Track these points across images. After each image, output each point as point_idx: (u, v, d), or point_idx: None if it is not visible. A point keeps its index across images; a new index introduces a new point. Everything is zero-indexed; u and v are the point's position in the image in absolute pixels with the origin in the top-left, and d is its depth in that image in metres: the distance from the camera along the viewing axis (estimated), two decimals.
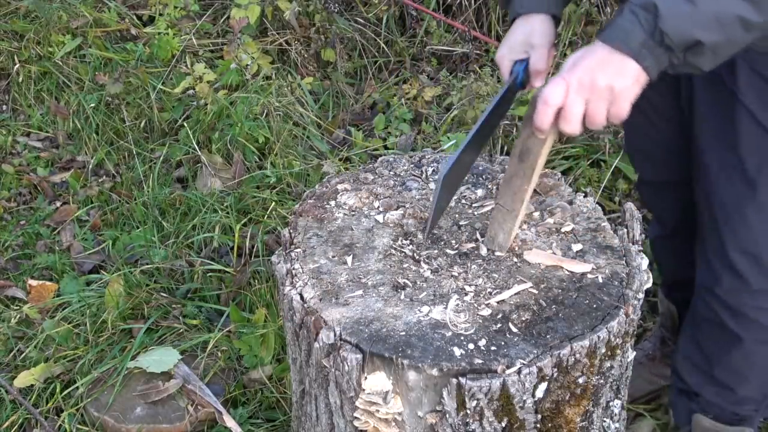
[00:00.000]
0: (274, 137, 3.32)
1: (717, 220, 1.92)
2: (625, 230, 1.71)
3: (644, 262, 1.64)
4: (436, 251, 1.68)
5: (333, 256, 1.67)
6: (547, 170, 1.86)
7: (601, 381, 1.55)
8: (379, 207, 1.80)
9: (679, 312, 2.37)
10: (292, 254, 1.67)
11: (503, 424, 1.48)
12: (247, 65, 3.60)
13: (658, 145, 2.10)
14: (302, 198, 1.85)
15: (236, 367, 2.53)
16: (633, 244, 1.68)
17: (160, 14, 4.10)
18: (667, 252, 2.38)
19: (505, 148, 3.28)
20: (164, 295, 2.77)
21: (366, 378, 1.47)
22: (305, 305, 1.56)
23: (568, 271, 1.62)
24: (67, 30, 4.02)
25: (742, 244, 1.90)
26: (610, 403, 1.62)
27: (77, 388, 2.44)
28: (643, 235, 1.73)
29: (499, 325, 1.50)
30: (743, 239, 1.90)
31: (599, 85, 1.46)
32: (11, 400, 2.45)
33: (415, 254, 1.67)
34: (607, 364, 1.53)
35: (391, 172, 1.92)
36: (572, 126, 1.49)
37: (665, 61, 1.44)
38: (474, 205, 1.79)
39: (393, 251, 1.68)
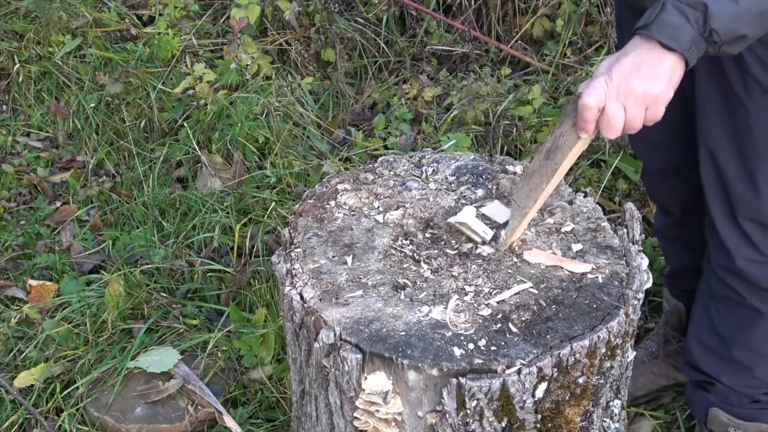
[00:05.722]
0: (274, 137, 3.32)
1: (727, 192, 1.94)
2: (625, 230, 1.71)
3: (644, 262, 1.64)
4: (436, 251, 1.68)
5: (333, 256, 1.67)
6: None
7: (601, 381, 1.55)
8: (379, 207, 1.80)
9: (687, 309, 2.37)
10: (292, 254, 1.67)
11: (503, 424, 1.48)
12: (247, 65, 3.60)
13: (664, 131, 2.10)
14: (302, 198, 1.85)
15: (236, 367, 2.53)
16: (633, 244, 1.68)
17: (160, 14, 4.10)
18: (673, 241, 2.39)
19: (506, 148, 3.28)
20: (164, 295, 2.77)
21: (366, 378, 1.47)
22: (305, 305, 1.56)
23: (568, 271, 1.62)
24: (67, 30, 4.02)
25: (753, 213, 1.93)
26: (610, 403, 1.62)
27: (77, 388, 2.45)
28: (643, 235, 1.73)
29: (499, 325, 1.50)
30: (754, 208, 1.92)
31: (636, 92, 1.51)
32: (11, 400, 2.45)
33: (415, 254, 1.67)
34: (607, 364, 1.53)
35: (391, 172, 1.92)
36: (615, 132, 1.54)
37: (703, 51, 1.51)
38: (474, 205, 1.79)
39: (393, 251, 1.68)
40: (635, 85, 1.50)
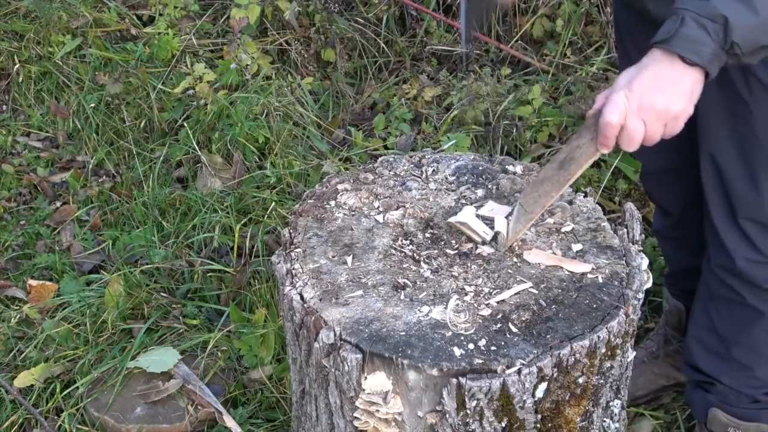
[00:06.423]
0: (274, 137, 3.32)
1: (728, 193, 1.93)
2: (625, 230, 1.71)
3: (644, 262, 1.64)
4: (436, 251, 1.68)
5: (333, 256, 1.67)
6: None
7: (601, 381, 1.55)
8: (379, 207, 1.80)
9: (687, 309, 2.38)
10: (292, 254, 1.67)
11: (503, 424, 1.48)
12: (247, 65, 3.60)
13: None
14: (302, 198, 1.85)
15: (236, 367, 2.53)
16: (633, 244, 1.68)
17: (160, 14, 4.10)
18: (673, 241, 2.39)
19: (506, 148, 3.28)
20: (164, 295, 2.77)
21: (366, 378, 1.47)
22: (305, 305, 1.56)
23: (568, 271, 1.62)
24: (67, 30, 4.02)
25: (754, 214, 1.93)
26: (610, 403, 1.62)
27: (77, 388, 2.45)
28: (643, 235, 1.73)
29: (499, 325, 1.50)
30: (755, 208, 1.92)
31: (658, 108, 1.50)
32: (11, 400, 2.45)
33: (415, 254, 1.67)
34: (607, 364, 1.53)
35: (391, 172, 1.92)
36: (634, 146, 1.54)
37: (723, 63, 1.50)
38: (474, 204, 1.79)
39: (393, 251, 1.68)
40: (657, 102, 1.49)
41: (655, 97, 1.49)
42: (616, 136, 1.53)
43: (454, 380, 1.41)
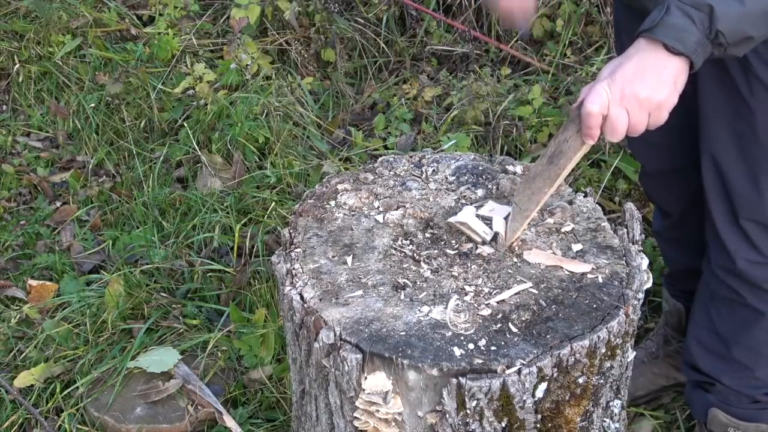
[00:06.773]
0: (274, 137, 3.32)
1: (729, 193, 1.93)
2: (625, 230, 1.71)
3: (644, 262, 1.64)
4: (436, 251, 1.68)
5: (333, 256, 1.67)
6: None
7: (601, 381, 1.55)
8: (379, 207, 1.80)
9: (687, 309, 2.38)
10: (292, 254, 1.67)
11: (503, 424, 1.48)
12: (247, 65, 3.60)
13: (663, 133, 2.10)
14: (302, 198, 1.85)
15: (236, 367, 2.53)
16: (633, 244, 1.68)
17: (160, 14, 4.10)
18: (672, 242, 2.39)
19: (506, 148, 3.28)
20: (164, 295, 2.77)
21: (366, 378, 1.47)
22: (305, 305, 1.56)
23: (568, 271, 1.62)
24: (67, 30, 4.02)
25: (755, 214, 1.93)
26: (610, 403, 1.62)
27: (77, 388, 2.45)
28: (643, 235, 1.73)
29: (499, 325, 1.50)
30: (756, 209, 1.92)
31: (640, 97, 1.49)
32: (11, 400, 2.45)
33: (415, 254, 1.67)
34: (607, 364, 1.54)
35: (391, 172, 1.92)
36: (618, 136, 1.53)
37: (709, 54, 1.49)
38: (474, 204, 1.79)
39: (393, 251, 1.68)
40: (639, 90, 1.49)
41: (637, 86, 1.49)
42: (600, 126, 1.53)
43: (454, 380, 1.41)
